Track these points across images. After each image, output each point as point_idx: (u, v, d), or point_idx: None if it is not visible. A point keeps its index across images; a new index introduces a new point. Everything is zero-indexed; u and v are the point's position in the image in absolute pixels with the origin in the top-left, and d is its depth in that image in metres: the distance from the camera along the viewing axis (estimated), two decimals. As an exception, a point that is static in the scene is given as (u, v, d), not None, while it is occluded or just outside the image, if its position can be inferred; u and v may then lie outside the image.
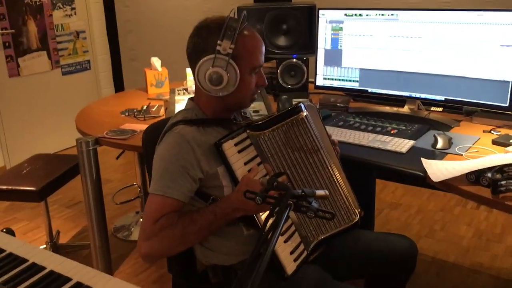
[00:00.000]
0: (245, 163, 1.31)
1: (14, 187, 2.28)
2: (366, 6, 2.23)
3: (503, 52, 1.88)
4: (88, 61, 4.58)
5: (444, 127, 2.02)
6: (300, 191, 0.98)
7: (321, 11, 2.30)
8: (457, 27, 1.96)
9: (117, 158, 3.04)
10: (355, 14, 2.22)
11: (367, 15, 2.19)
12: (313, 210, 0.95)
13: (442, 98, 2.08)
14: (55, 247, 2.67)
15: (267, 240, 0.87)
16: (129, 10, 4.53)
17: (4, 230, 1.67)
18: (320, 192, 1.04)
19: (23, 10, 3.92)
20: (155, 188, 1.27)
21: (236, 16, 1.31)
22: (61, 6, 4.25)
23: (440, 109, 2.26)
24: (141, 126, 2.11)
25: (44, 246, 2.65)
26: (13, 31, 3.85)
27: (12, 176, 2.41)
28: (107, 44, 4.71)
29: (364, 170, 2.18)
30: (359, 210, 1.47)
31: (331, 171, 1.39)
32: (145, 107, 2.49)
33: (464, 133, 1.93)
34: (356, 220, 1.44)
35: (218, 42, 1.26)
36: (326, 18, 2.30)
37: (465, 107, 2.13)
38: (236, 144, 1.30)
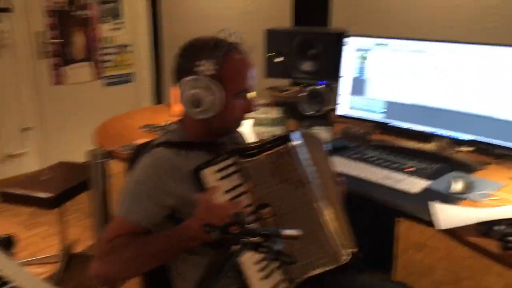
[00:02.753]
0: (227, 191, 1.23)
1: (29, 193, 2.33)
2: (399, 35, 2.13)
3: (538, 93, 1.72)
4: (131, 74, 4.69)
5: (468, 169, 1.87)
6: (264, 229, 0.91)
7: (347, 38, 2.22)
8: (489, 62, 1.83)
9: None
10: (383, 43, 2.13)
11: (395, 45, 2.09)
12: (273, 252, 0.87)
13: (471, 138, 1.93)
14: (68, 255, 2.69)
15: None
16: (175, 27, 4.62)
17: (5, 236, 1.67)
18: (289, 232, 0.96)
19: (72, 22, 4.08)
20: (118, 209, 1.23)
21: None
22: (109, 20, 4.39)
23: (470, 148, 2.10)
24: (154, 143, 2.09)
25: (58, 252, 2.68)
26: (61, 40, 4.01)
27: (30, 182, 2.46)
28: (151, 59, 4.81)
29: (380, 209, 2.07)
30: (352, 250, 1.36)
31: (316, 208, 1.29)
32: (167, 123, 2.48)
33: (490, 177, 1.78)
34: (344, 262, 1.32)
35: (201, 62, 1.21)
36: (353, 46, 2.21)
37: (496, 149, 1.97)
38: (218, 171, 1.23)
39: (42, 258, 2.72)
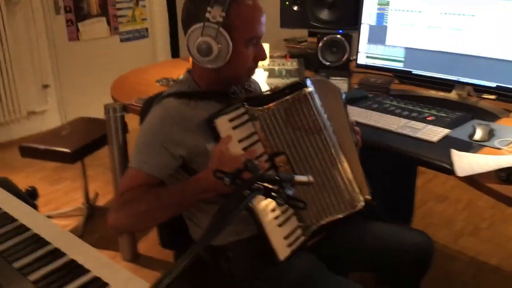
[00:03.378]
0: (239, 141, 1.21)
1: (49, 147, 2.36)
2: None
3: None
4: (146, 29, 4.63)
5: (491, 116, 1.81)
6: (275, 175, 0.90)
7: (367, -17, 2.13)
8: (515, 5, 1.73)
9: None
10: (404, -12, 2.03)
11: (417, -12, 1.99)
12: (283, 197, 0.86)
13: (494, 84, 1.86)
14: (91, 208, 2.75)
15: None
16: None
17: (30, 188, 1.71)
18: (301, 178, 0.95)
19: (84, -25, 4.02)
20: (131, 161, 1.22)
21: None
22: (122, -27, 4.31)
23: (493, 97, 2.03)
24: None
25: (81, 206, 2.75)
26: (74, -5, 3.96)
27: (51, 137, 2.50)
28: (165, 13, 4.74)
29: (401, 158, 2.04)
30: (366, 197, 1.35)
31: (333, 154, 1.28)
32: (181, 76, 2.45)
33: (512, 125, 1.73)
34: (359, 208, 1.32)
35: (208, 8, 1.16)
36: (372, -9, 2.12)
37: (519, 96, 1.91)
38: (231, 120, 1.21)
39: (64, 212, 2.79)
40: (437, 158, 1.49)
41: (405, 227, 1.52)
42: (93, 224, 2.69)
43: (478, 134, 1.59)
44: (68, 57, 4.07)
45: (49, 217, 2.61)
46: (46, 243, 1.06)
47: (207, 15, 1.17)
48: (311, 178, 0.96)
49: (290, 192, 0.88)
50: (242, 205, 0.81)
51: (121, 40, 4.45)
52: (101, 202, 2.94)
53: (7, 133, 3.84)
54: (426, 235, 1.46)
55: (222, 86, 1.31)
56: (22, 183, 1.66)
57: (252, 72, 1.30)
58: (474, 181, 1.34)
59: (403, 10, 2.04)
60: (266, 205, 1.22)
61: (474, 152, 1.50)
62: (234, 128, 1.21)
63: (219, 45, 1.18)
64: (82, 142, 2.44)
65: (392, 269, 1.43)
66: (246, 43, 1.22)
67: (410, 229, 1.49)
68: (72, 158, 2.37)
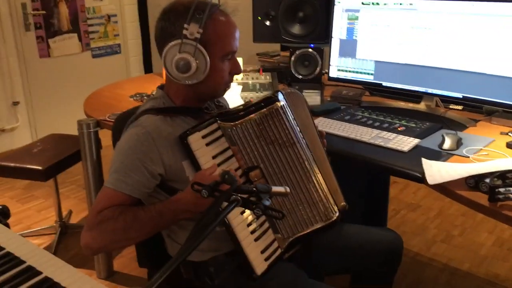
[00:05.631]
0: (214, 157, 1.22)
1: (20, 165, 2.32)
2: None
3: (527, 48, 1.71)
4: (119, 45, 4.62)
5: (458, 126, 1.87)
6: (252, 186, 0.91)
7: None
8: (479, 19, 1.81)
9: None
10: (372, 3, 2.10)
11: (384, 4, 2.06)
12: (261, 208, 0.88)
13: (460, 95, 1.93)
14: (64, 226, 2.70)
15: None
16: (160, -5, 4.53)
17: (0, 207, 1.67)
18: (277, 189, 0.96)
19: (55, -8, 3.99)
20: (108, 180, 1.21)
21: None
22: (94, -11, 4.29)
23: (459, 107, 2.11)
24: (143, 111, 2.07)
25: (54, 224, 2.69)
26: (44, 12, 3.92)
27: (22, 154, 2.45)
28: (138, 29, 4.73)
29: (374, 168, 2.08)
30: (342, 204, 1.38)
31: (307, 166, 1.30)
32: (155, 91, 2.45)
33: (480, 134, 1.79)
34: (334, 218, 1.34)
35: (185, 26, 1.18)
36: (342, 6, 2.18)
37: (485, 106, 1.98)
38: (204, 137, 1.21)
39: (37, 230, 2.73)
40: (408, 167, 1.53)
41: (373, 226, 1.56)
42: (67, 242, 2.64)
43: (447, 143, 1.64)
44: (39, 73, 4.02)
45: (21, 236, 2.56)
46: (21, 261, 1.04)
47: (184, 32, 1.18)
48: (287, 189, 0.98)
49: (267, 202, 0.90)
50: (221, 216, 0.82)
51: (93, 56, 4.42)
52: (74, 219, 2.89)
53: (-24, 151, 3.75)
54: (394, 232, 1.52)
55: (197, 102, 1.32)
56: (-7, 202, 1.63)
57: (229, 86, 1.32)
58: (444, 189, 1.38)
59: (372, 25, 2.11)
60: (242, 220, 1.22)
61: (444, 160, 1.55)
62: (208, 144, 1.22)
63: (197, 61, 1.20)
64: (54, 159, 2.40)
65: (365, 268, 1.48)
66: (223, 58, 1.24)
67: (378, 228, 1.54)
68: (44, 176, 2.33)
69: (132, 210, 1.18)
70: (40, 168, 2.31)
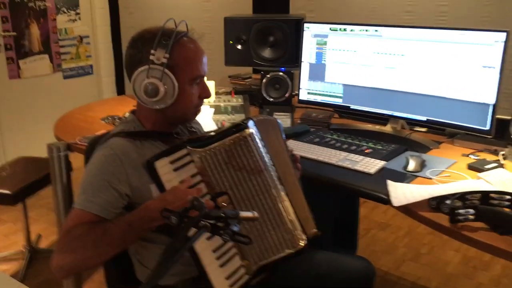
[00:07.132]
0: (182, 182, 1.23)
1: (-12, 189, 2.28)
2: (355, 21, 2.17)
3: (485, 74, 1.80)
4: (91, 66, 4.60)
5: (422, 148, 1.95)
6: (221, 212, 0.94)
7: (306, 25, 2.26)
8: (439, 45, 1.90)
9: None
10: (340, 29, 2.17)
11: (351, 30, 2.14)
12: (229, 233, 0.90)
13: (424, 118, 2.01)
14: (33, 251, 2.65)
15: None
16: (133, 17, 4.55)
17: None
18: (245, 214, 0.99)
19: (26, 13, 3.96)
20: (76, 202, 1.22)
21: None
22: (66, 11, 4.28)
23: (424, 129, 2.18)
24: (115, 134, 2.08)
25: (22, 249, 2.64)
26: (14, 33, 3.89)
27: (-10, 178, 2.41)
28: (111, 50, 4.73)
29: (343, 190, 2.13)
30: (312, 230, 1.40)
31: (274, 194, 1.31)
32: (127, 114, 2.46)
33: (442, 155, 1.86)
34: (302, 246, 1.34)
35: (152, 51, 1.21)
36: (311, 32, 2.25)
37: (447, 129, 2.06)
38: (172, 162, 1.22)
39: (4, 256, 2.67)
40: (374, 189, 1.58)
41: (347, 254, 1.58)
42: (36, 268, 2.58)
43: (411, 165, 1.70)
44: (9, 95, 3.96)
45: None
46: None
47: (151, 57, 1.22)
48: (256, 214, 1.00)
49: (236, 228, 0.92)
50: (189, 242, 0.84)
51: (65, 77, 4.39)
52: (44, 244, 2.84)
53: None
54: (366, 260, 1.54)
55: (168, 127, 1.34)
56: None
57: (199, 110, 1.35)
58: (409, 210, 1.43)
59: (339, 50, 2.18)
60: (207, 246, 1.23)
61: (408, 182, 1.61)
62: (176, 169, 1.23)
63: (165, 86, 1.23)
64: (23, 183, 2.37)
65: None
66: (191, 82, 1.27)
67: (351, 256, 1.56)
68: (12, 200, 2.29)
69: (102, 224, 1.19)
70: (8, 192, 2.28)
